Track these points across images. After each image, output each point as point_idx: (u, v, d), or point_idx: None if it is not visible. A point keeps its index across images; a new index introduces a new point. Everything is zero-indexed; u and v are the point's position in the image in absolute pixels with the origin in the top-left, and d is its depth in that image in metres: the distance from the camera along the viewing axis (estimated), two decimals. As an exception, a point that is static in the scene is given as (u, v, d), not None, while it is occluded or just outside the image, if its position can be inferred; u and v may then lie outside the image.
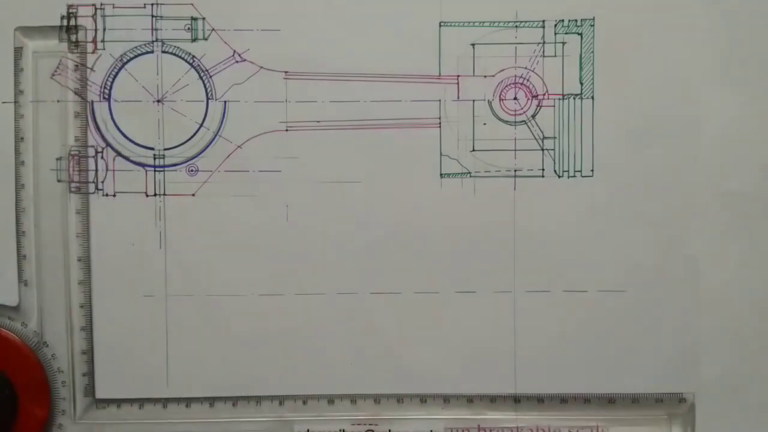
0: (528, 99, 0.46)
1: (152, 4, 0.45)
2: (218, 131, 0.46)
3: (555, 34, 0.45)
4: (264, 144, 0.46)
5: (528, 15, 0.45)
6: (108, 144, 0.46)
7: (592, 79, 0.45)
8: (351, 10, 0.45)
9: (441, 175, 0.46)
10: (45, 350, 0.46)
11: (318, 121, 0.46)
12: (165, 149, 0.46)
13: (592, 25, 0.45)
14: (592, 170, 0.46)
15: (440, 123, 0.46)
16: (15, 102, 0.45)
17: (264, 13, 0.45)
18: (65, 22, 0.45)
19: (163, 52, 0.45)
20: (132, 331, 0.46)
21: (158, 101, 0.46)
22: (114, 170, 0.46)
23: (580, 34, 0.45)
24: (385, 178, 0.46)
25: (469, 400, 0.47)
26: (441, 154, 0.46)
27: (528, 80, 0.46)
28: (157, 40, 0.45)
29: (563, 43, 0.45)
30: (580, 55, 0.45)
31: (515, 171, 0.46)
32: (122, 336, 0.46)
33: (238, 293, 0.46)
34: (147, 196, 0.46)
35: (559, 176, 0.46)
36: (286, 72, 0.46)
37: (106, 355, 0.46)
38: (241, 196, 0.46)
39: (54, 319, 0.46)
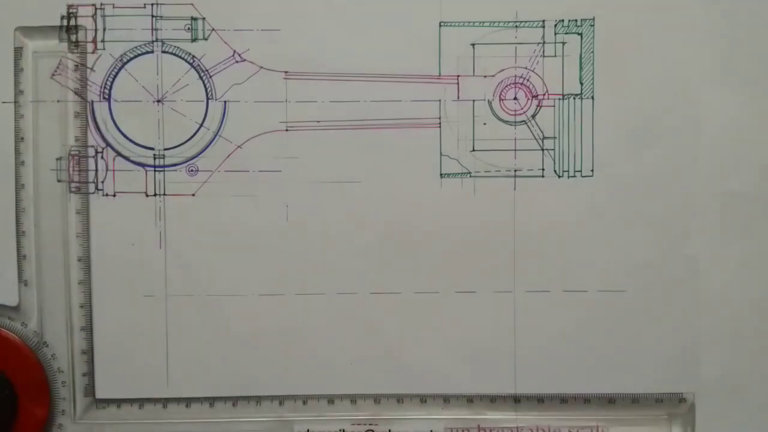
0: (528, 99, 0.46)
1: (152, 4, 0.45)
2: (218, 131, 0.46)
3: (555, 34, 0.45)
4: (264, 144, 0.46)
5: (528, 15, 0.45)
6: (108, 144, 0.46)
7: (592, 79, 0.45)
8: (351, 10, 0.45)
9: (441, 175, 0.46)
10: (45, 350, 0.46)
11: (318, 121, 0.46)
12: (165, 149, 0.46)
13: (592, 25, 0.45)
14: (592, 170, 0.46)
15: (440, 123, 0.46)
16: (15, 102, 0.45)
17: (264, 13, 0.45)
18: (65, 22, 0.45)
19: (163, 52, 0.45)
20: (132, 331, 0.46)
21: (158, 101, 0.46)
22: (114, 170, 0.46)
23: (580, 34, 0.45)
24: (385, 178, 0.46)
25: (469, 400, 0.47)
26: (441, 154, 0.46)
27: (528, 80, 0.46)
28: (157, 40, 0.45)
29: (563, 43, 0.45)
30: (580, 55, 0.45)
31: (515, 171, 0.46)
32: (122, 336, 0.46)
33: (238, 293, 0.46)
34: (147, 196, 0.46)
35: (559, 176, 0.46)
36: (286, 72, 0.46)
37: (106, 355, 0.46)
38: (241, 196, 0.46)
39: (54, 319, 0.46)
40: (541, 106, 0.46)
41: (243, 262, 0.46)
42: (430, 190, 0.46)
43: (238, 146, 0.46)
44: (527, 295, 0.46)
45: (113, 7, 0.45)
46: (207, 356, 0.46)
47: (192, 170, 0.46)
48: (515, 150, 0.46)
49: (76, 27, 0.45)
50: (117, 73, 0.45)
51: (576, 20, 0.45)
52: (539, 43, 0.45)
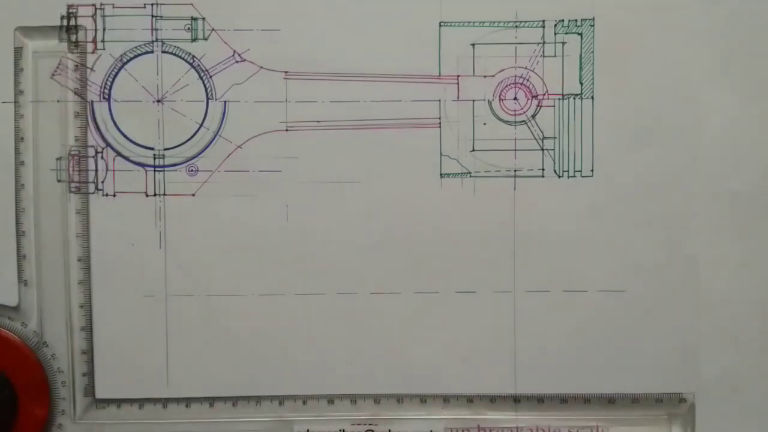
0: (528, 99, 0.46)
1: (152, 4, 0.45)
2: (218, 131, 0.46)
3: (555, 34, 0.45)
4: (264, 144, 0.46)
5: (528, 15, 0.45)
6: (108, 144, 0.46)
7: (592, 79, 0.45)
8: (351, 10, 0.45)
9: (441, 175, 0.46)
10: (45, 350, 0.46)
11: (318, 121, 0.46)
12: (165, 149, 0.46)
13: (592, 25, 0.45)
14: (592, 170, 0.46)
15: (440, 123, 0.46)
16: (15, 102, 0.45)
17: (264, 13, 0.45)
18: (65, 22, 0.45)
19: (163, 52, 0.45)
20: (132, 331, 0.46)
21: (158, 101, 0.46)
22: (114, 170, 0.46)
23: (580, 34, 0.45)
24: (385, 178, 0.46)
25: (469, 400, 0.47)
26: (441, 154, 0.46)
27: (528, 80, 0.46)
28: (157, 40, 0.45)
29: (563, 43, 0.45)
30: (580, 55, 0.45)
31: (515, 171, 0.46)
32: (122, 336, 0.46)
33: (238, 293, 0.46)
34: (147, 196, 0.46)
35: (559, 176, 0.46)
36: (286, 72, 0.46)
37: (106, 355, 0.46)
38: (241, 196, 0.46)
39: (54, 319, 0.46)
40: (541, 106, 0.46)
41: (243, 262, 0.46)
42: (430, 190, 0.46)
43: (238, 146, 0.46)
44: (527, 295, 0.46)
45: (113, 7, 0.45)
46: (207, 356, 0.46)
47: (192, 170, 0.46)
48: (515, 150, 0.46)
49: (76, 27, 0.45)
50: (117, 73, 0.45)
51: (576, 20, 0.45)
52: (539, 43, 0.45)
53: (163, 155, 0.46)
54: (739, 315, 0.46)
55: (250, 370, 0.46)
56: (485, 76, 0.46)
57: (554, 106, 0.46)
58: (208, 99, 0.46)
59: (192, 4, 0.45)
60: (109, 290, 0.46)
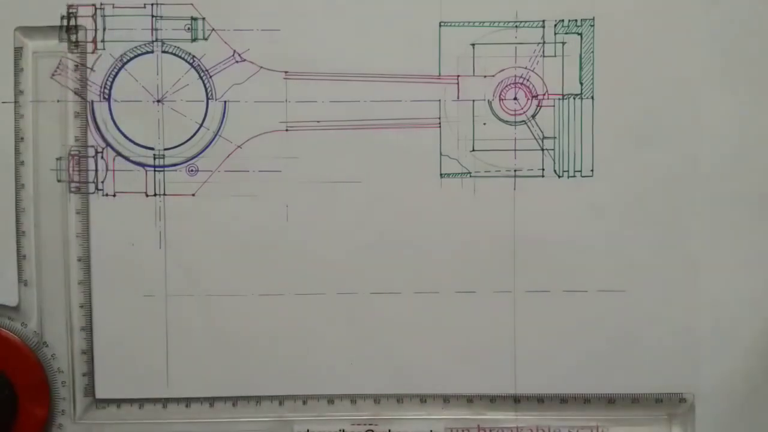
0: (528, 99, 0.46)
1: (152, 4, 0.45)
2: (218, 131, 0.46)
3: (555, 34, 0.45)
4: (264, 144, 0.46)
5: (528, 15, 0.45)
6: (108, 144, 0.46)
7: (592, 79, 0.45)
8: (351, 10, 0.45)
9: (441, 175, 0.46)
10: (45, 350, 0.46)
11: (318, 121, 0.46)
12: (165, 149, 0.46)
13: (592, 25, 0.45)
14: (592, 170, 0.46)
15: (440, 123, 0.46)
16: (15, 102, 0.45)
17: (264, 13, 0.45)
18: (65, 22, 0.45)
19: (163, 52, 0.45)
20: (132, 331, 0.46)
21: (158, 101, 0.46)
22: (114, 170, 0.46)
23: (580, 34, 0.45)
24: (385, 178, 0.46)
25: (469, 400, 0.47)
26: (441, 154, 0.46)
27: (528, 80, 0.46)
28: (157, 40, 0.45)
29: (563, 43, 0.45)
30: (580, 55, 0.45)
31: (515, 171, 0.46)
32: (122, 336, 0.46)
33: (238, 293, 0.46)
34: (147, 196, 0.46)
35: (559, 176, 0.46)
36: (286, 72, 0.46)
37: (106, 355, 0.46)
38: (241, 196, 0.46)
39: (54, 319, 0.46)
40: (541, 106, 0.46)
41: (243, 262, 0.46)
42: (430, 190, 0.46)
43: (238, 146, 0.46)
44: (527, 295, 0.46)
45: (113, 7, 0.45)
46: (207, 356, 0.46)
47: (192, 170, 0.46)
48: (515, 150, 0.46)
49: (76, 27, 0.45)
50: (117, 73, 0.45)
51: (576, 20, 0.45)
52: (539, 43, 0.45)
53: (163, 155, 0.46)
54: (739, 315, 0.46)
55: (250, 370, 0.46)
56: (485, 76, 0.46)
57: (554, 106, 0.46)
58: (208, 99, 0.46)
59: (192, 4, 0.45)
60: (109, 290, 0.46)
